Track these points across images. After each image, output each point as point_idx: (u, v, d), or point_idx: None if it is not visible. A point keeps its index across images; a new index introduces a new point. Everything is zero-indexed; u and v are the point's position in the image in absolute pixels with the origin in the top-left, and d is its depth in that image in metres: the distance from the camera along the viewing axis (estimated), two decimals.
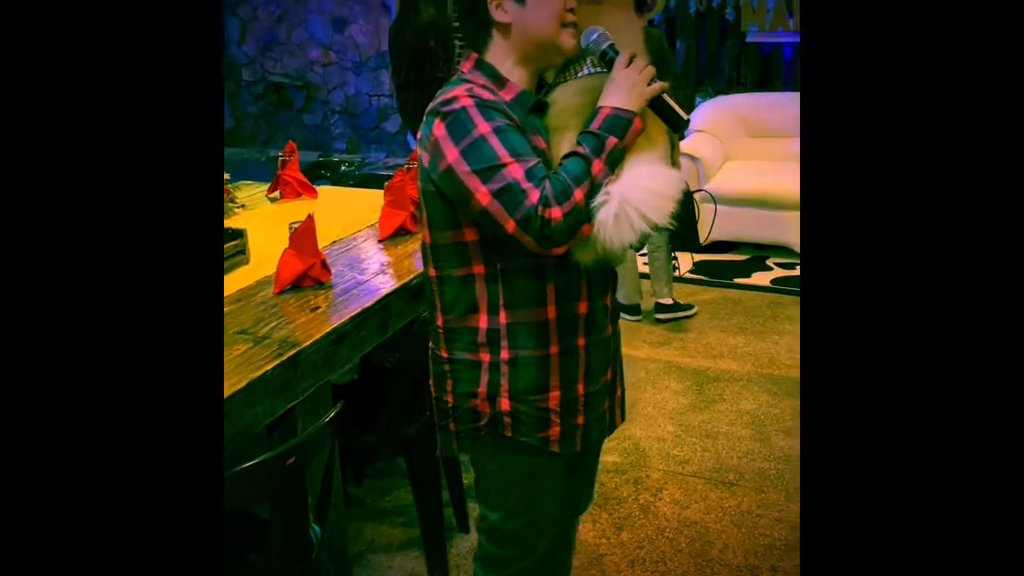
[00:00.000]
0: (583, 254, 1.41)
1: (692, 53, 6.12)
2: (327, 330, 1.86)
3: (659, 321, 3.97)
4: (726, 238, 4.78)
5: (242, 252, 2.27)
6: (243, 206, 2.84)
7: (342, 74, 7.58)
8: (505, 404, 1.50)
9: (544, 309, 1.48)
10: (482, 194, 1.35)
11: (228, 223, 2.55)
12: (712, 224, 4.46)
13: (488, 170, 1.34)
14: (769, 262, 4.74)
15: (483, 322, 1.49)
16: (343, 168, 6.71)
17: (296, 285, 2.08)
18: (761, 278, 4.52)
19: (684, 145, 4.77)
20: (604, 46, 1.45)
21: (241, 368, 1.67)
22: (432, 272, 1.52)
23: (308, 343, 1.79)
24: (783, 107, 5.26)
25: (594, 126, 1.39)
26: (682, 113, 1.44)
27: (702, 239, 4.46)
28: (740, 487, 2.74)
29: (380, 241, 2.47)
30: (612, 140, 1.38)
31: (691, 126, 5.26)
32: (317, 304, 2.00)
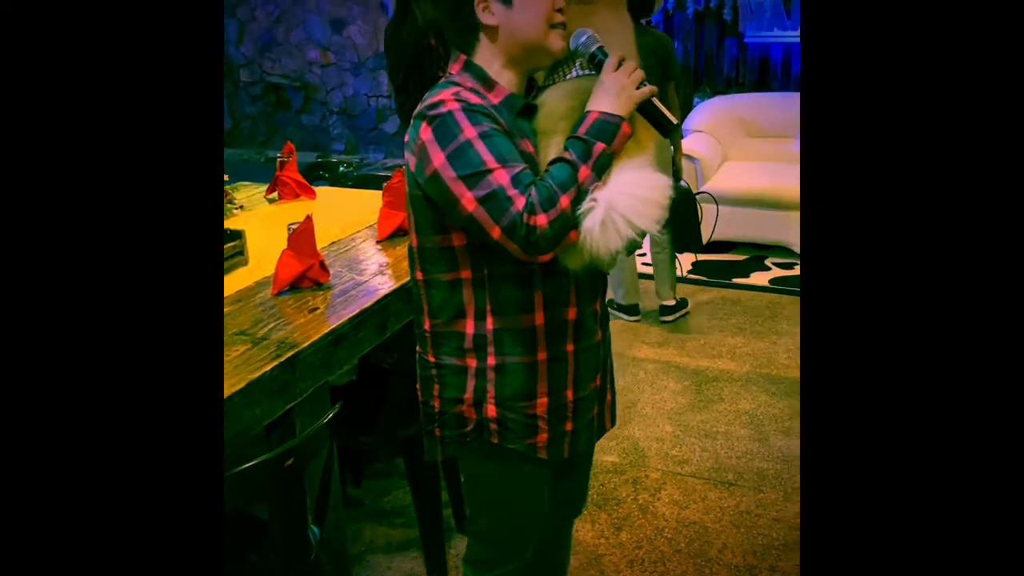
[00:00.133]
0: (571, 260, 1.39)
1: (690, 54, 6.12)
2: (325, 331, 1.86)
3: (665, 323, 3.97)
4: (725, 238, 4.79)
5: (240, 253, 2.27)
6: (241, 207, 2.83)
7: (340, 75, 7.58)
8: (491, 410, 1.49)
9: (532, 315, 1.46)
10: (468, 200, 1.33)
11: (227, 224, 2.54)
12: (714, 225, 4.46)
13: (474, 176, 1.32)
14: (768, 262, 4.75)
15: (470, 327, 1.47)
16: (341, 169, 6.70)
17: (294, 286, 2.08)
18: (759, 278, 4.53)
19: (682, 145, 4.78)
20: (593, 48, 1.42)
21: (240, 369, 1.67)
22: (419, 276, 1.50)
23: (306, 344, 1.79)
24: (782, 107, 5.27)
25: (581, 131, 1.37)
26: (671, 117, 1.42)
27: (704, 240, 4.47)
28: (739, 487, 2.75)
29: (378, 242, 2.47)
30: (600, 146, 1.35)
31: (689, 126, 5.27)
32: (315, 305, 2.00)
